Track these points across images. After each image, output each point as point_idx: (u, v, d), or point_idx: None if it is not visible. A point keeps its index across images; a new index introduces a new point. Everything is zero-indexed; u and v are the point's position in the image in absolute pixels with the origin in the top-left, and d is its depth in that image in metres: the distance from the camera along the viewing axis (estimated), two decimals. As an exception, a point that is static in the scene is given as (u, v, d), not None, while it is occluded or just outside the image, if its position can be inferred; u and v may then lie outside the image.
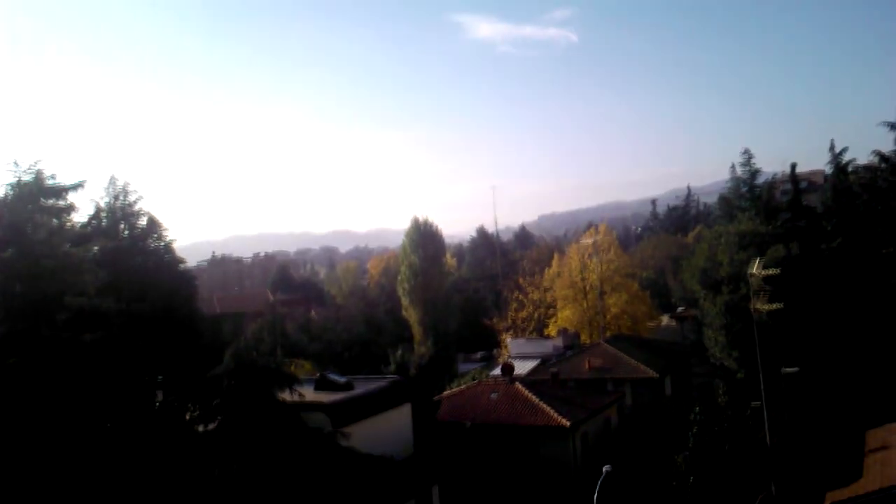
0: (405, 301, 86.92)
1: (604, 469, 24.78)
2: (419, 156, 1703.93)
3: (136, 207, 29.41)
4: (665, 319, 70.67)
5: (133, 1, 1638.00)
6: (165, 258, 29.70)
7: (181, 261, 31.10)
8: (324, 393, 32.27)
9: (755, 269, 33.68)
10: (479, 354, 72.06)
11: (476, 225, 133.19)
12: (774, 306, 32.65)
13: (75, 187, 24.91)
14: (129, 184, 29.47)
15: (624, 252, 76.77)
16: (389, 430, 32.28)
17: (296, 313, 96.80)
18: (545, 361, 52.60)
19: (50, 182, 24.47)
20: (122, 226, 29.18)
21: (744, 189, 52.49)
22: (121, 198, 29.26)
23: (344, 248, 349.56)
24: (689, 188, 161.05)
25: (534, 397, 38.21)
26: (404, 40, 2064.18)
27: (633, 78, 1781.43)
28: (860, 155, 62.44)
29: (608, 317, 63.06)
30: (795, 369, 33.72)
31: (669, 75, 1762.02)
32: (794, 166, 53.98)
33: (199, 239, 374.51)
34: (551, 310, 67.31)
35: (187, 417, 27.28)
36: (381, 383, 34.94)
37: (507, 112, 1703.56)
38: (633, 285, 67.24)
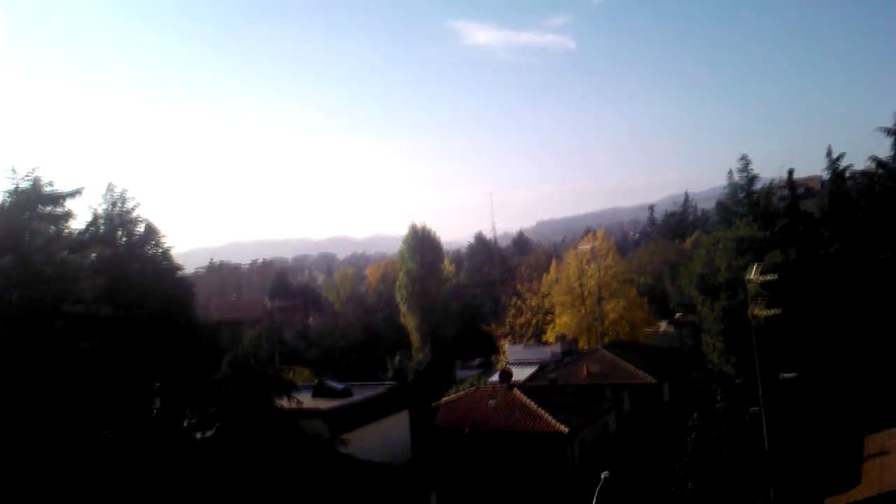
0: (403, 307, 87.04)
1: (602, 475, 24.70)
2: (417, 162, 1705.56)
3: (134, 214, 29.35)
4: (663, 325, 70.62)
5: (131, 8, 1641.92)
6: (163, 265, 29.63)
7: (179, 267, 31.03)
8: (322, 400, 32.36)
9: (753, 274, 33.75)
10: (477, 361, 71.74)
11: (474, 231, 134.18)
12: (772, 312, 32.70)
13: (73, 194, 24.89)
14: (126, 190, 29.48)
15: (622, 258, 76.82)
16: (387, 436, 32.35)
17: (294, 320, 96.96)
18: (543, 367, 52.53)
19: (48, 189, 24.48)
20: (119, 233, 29.10)
21: (741, 195, 52.50)
22: (118, 205, 29.20)
23: (342, 254, 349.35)
24: (686, 194, 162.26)
25: (532, 403, 38.17)
26: (403, 47, 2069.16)
27: (631, 84, 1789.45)
28: (857, 160, 63.05)
29: (606, 323, 62.99)
30: (793, 375, 33.72)
31: (667, 82, 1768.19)
32: (791, 172, 54.24)
33: (197, 245, 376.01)
34: (549, 316, 67.23)
35: (185, 424, 27.14)
36: (380, 390, 35.05)
37: (505, 119, 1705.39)
38: (631, 291, 67.19)
